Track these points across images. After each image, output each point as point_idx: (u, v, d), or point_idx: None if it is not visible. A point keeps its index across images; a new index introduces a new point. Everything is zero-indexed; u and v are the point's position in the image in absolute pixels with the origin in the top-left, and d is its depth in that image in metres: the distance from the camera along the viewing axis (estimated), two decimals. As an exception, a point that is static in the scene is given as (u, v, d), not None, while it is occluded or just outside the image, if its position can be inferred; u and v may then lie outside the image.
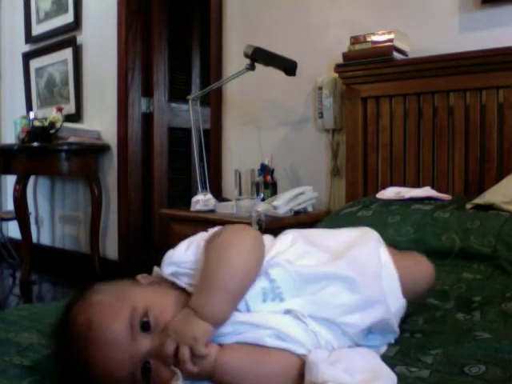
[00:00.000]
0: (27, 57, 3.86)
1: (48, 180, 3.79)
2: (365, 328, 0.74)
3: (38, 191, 3.89)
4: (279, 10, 2.47)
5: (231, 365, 0.64)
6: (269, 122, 2.54)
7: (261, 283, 0.71)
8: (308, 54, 2.34)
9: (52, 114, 3.22)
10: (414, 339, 0.84)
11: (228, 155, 2.71)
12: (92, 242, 3.28)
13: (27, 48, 3.87)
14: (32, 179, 3.72)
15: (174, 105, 3.46)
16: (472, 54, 1.79)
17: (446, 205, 1.56)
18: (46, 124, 3.15)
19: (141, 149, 3.29)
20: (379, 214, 1.56)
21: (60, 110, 3.24)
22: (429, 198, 1.66)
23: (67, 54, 3.50)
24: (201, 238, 0.77)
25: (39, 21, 3.73)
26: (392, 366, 0.69)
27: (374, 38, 1.99)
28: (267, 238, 0.82)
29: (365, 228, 0.91)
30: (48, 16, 3.65)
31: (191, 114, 2.31)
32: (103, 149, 3.31)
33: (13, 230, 3.85)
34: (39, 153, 3.15)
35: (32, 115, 3.27)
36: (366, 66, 2.00)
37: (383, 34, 1.97)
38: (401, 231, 1.45)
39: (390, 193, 1.76)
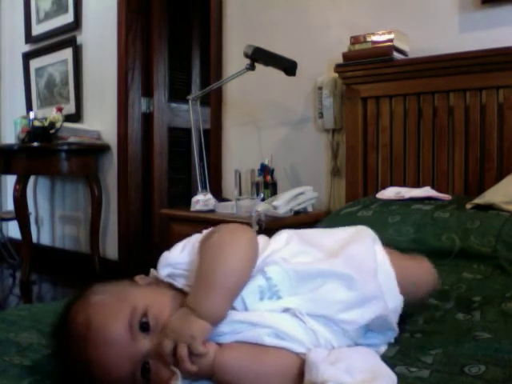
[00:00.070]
0: (27, 57, 3.86)
1: (48, 180, 3.79)
2: (363, 325, 0.74)
3: (38, 191, 3.89)
4: (279, 10, 2.47)
5: (230, 364, 0.64)
6: (269, 122, 2.54)
7: (257, 281, 0.71)
8: (308, 53, 2.34)
9: (52, 114, 3.22)
10: (414, 339, 0.84)
11: (228, 155, 2.71)
12: (92, 242, 3.28)
13: (27, 48, 3.87)
14: (32, 179, 3.73)
15: (173, 105, 3.46)
16: (472, 53, 1.79)
17: (446, 205, 1.56)
18: (46, 124, 3.15)
19: (141, 149, 3.29)
20: (379, 214, 1.56)
21: (60, 110, 3.24)
22: (429, 198, 1.66)
23: (67, 54, 3.50)
24: (196, 239, 0.77)
25: (39, 21, 3.73)
26: (392, 366, 0.69)
27: (374, 38, 1.99)
28: (262, 238, 0.82)
29: (360, 226, 0.91)
30: (48, 16, 3.65)
31: (191, 114, 2.31)
32: (103, 149, 3.31)
33: (13, 229, 3.85)
34: (39, 153, 3.15)
35: (32, 115, 3.27)
36: (365, 66, 2.00)
37: (383, 34, 1.97)
38: (401, 231, 1.45)
39: (389, 193, 1.76)
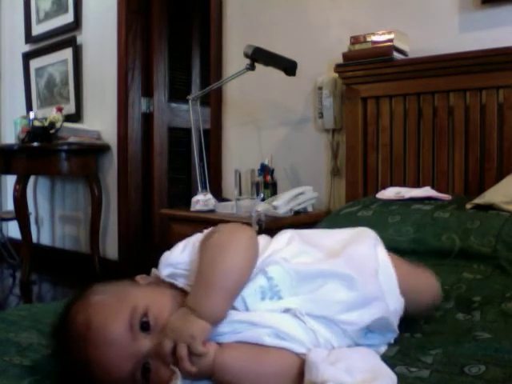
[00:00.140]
0: (27, 57, 3.86)
1: (48, 180, 3.79)
2: (363, 326, 0.74)
3: (38, 191, 3.89)
4: (279, 10, 2.47)
5: (230, 364, 0.64)
6: (269, 122, 2.54)
7: (259, 281, 0.71)
8: (308, 53, 2.34)
9: (52, 114, 3.22)
10: (414, 339, 0.84)
11: (228, 155, 2.71)
12: (92, 242, 3.28)
13: (27, 48, 3.87)
14: (32, 179, 3.73)
15: (174, 105, 3.46)
16: (472, 53, 1.79)
17: (446, 205, 1.56)
18: (46, 124, 3.15)
19: (141, 149, 3.29)
20: (379, 214, 1.56)
21: (60, 110, 3.24)
22: (429, 198, 1.66)
23: (67, 53, 3.50)
24: (196, 239, 0.77)
25: (39, 21, 3.74)
26: (392, 366, 0.69)
27: (374, 38, 1.99)
28: (263, 238, 0.82)
29: (362, 227, 0.91)
30: (48, 16, 3.65)
31: (191, 114, 2.31)
32: (103, 149, 3.31)
33: (13, 229, 3.85)
34: (39, 153, 3.15)
35: (32, 115, 3.27)
36: (366, 66, 2.00)
37: (383, 34, 1.97)
38: (401, 231, 1.45)
39: (389, 193, 1.76)
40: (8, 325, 0.91)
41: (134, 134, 3.24)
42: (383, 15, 2.13)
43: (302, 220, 1.98)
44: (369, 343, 0.76)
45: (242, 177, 2.12)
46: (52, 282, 3.31)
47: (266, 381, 0.65)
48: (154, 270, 0.78)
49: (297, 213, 2.02)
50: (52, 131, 3.14)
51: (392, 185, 1.94)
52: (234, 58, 2.62)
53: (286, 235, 0.84)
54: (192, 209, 2.15)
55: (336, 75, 2.16)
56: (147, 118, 3.33)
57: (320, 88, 2.24)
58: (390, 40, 1.95)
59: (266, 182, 2.18)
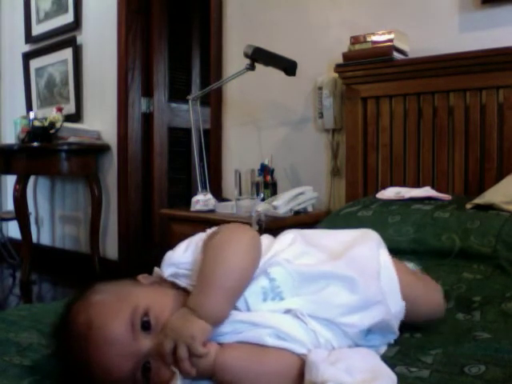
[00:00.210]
0: (27, 57, 3.86)
1: (48, 180, 3.79)
2: (364, 329, 0.74)
3: (38, 191, 3.89)
4: (279, 10, 2.47)
5: (231, 364, 0.64)
6: (269, 122, 2.54)
7: (261, 282, 0.71)
8: (308, 53, 2.34)
9: (52, 114, 3.22)
10: (414, 339, 0.84)
11: (228, 155, 2.71)
12: (92, 242, 3.28)
13: (27, 48, 3.87)
14: (32, 179, 3.73)
15: (174, 105, 3.46)
16: (472, 53, 1.79)
17: (446, 205, 1.56)
18: (46, 124, 3.15)
19: (141, 149, 3.29)
20: (379, 214, 1.56)
21: (60, 110, 3.24)
22: (429, 198, 1.66)
23: (67, 54, 3.50)
24: (199, 238, 0.77)
25: (39, 21, 3.73)
26: (392, 366, 0.69)
27: (374, 38, 1.99)
28: (267, 238, 0.82)
29: (366, 229, 0.90)
30: (48, 16, 3.65)
31: (191, 114, 2.31)
32: (103, 149, 3.31)
33: (13, 229, 3.85)
34: (39, 153, 3.15)
35: (32, 115, 3.27)
36: (365, 66, 2.00)
37: (383, 34, 1.97)
38: (401, 231, 1.45)
39: (389, 193, 1.76)
40: (8, 325, 0.91)
41: (134, 134, 3.24)
42: (383, 15, 2.13)
43: (302, 220, 1.98)
44: (369, 344, 0.76)
45: (241, 177, 2.12)
46: (52, 282, 3.31)
47: (267, 381, 0.65)
48: (156, 269, 0.77)
49: (297, 213, 2.02)
50: (52, 131, 3.14)
51: (392, 185, 1.94)
52: (234, 58, 2.62)
53: (289, 236, 0.84)
54: (192, 209, 2.15)
55: (336, 75, 2.16)
56: (147, 118, 3.33)
57: (320, 88, 2.24)
58: (390, 40, 1.95)
59: (266, 182, 2.18)
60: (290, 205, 1.97)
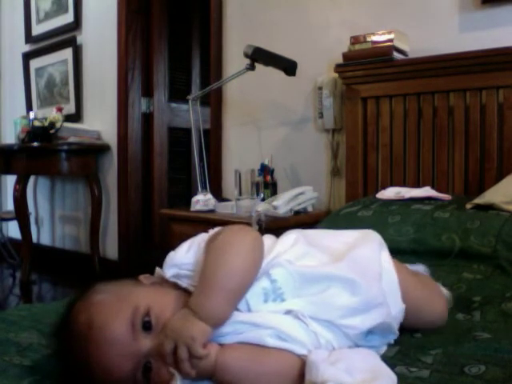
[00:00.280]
0: (27, 57, 3.86)
1: (48, 180, 3.79)
2: (365, 331, 0.74)
3: (38, 191, 3.89)
4: (279, 10, 2.47)
5: (231, 364, 0.64)
6: (269, 122, 2.54)
7: (262, 283, 0.71)
8: (308, 53, 2.34)
9: (52, 114, 3.22)
10: (414, 339, 0.84)
11: (228, 155, 2.71)
12: (92, 242, 3.28)
13: (27, 48, 3.87)
14: (32, 179, 3.73)
15: (174, 105, 3.46)
16: (472, 53, 1.79)
17: (446, 205, 1.56)
18: (46, 124, 3.15)
19: (141, 149, 3.29)
20: (379, 214, 1.56)
21: (60, 110, 3.24)
22: (429, 198, 1.66)
23: (67, 54, 3.50)
24: (201, 239, 0.77)
25: (39, 21, 3.73)
26: (392, 366, 0.69)
27: (374, 38, 1.99)
28: (269, 238, 0.82)
29: (367, 230, 0.90)
30: (48, 16, 3.65)
31: (191, 114, 2.31)
32: (103, 149, 3.31)
33: (13, 229, 3.85)
34: (39, 153, 3.15)
35: (32, 115, 3.27)
36: (365, 66, 2.00)
37: (383, 33, 1.97)
38: (401, 231, 1.45)
39: (389, 193, 1.76)
40: (8, 325, 0.91)
41: (134, 134, 3.24)
42: (383, 15, 2.13)
43: (302, 220, 1.98)
44: (369, 345, 0.76)
45: (242, 177, 2.11)
46: (52, 281, 3.31)
47: (267, 381, 0.65)
48: (158, 269, 0.77)
49: (297, 213, 2.02)
50: (52, 131, 3.14)
51: (392, 185, 1.94)
52: (234, 58, 2.62)
53: (291, 236, 0.83)
54: (192, 209, 2.15)
55: (336, 75, 2.16)
56: (147, 118, 3.33)
57: (320, 88, 2.24)
58: (390, 40, 1.95)
59: (266, 182, 2.18)
60: (290, 205, 1.97)
